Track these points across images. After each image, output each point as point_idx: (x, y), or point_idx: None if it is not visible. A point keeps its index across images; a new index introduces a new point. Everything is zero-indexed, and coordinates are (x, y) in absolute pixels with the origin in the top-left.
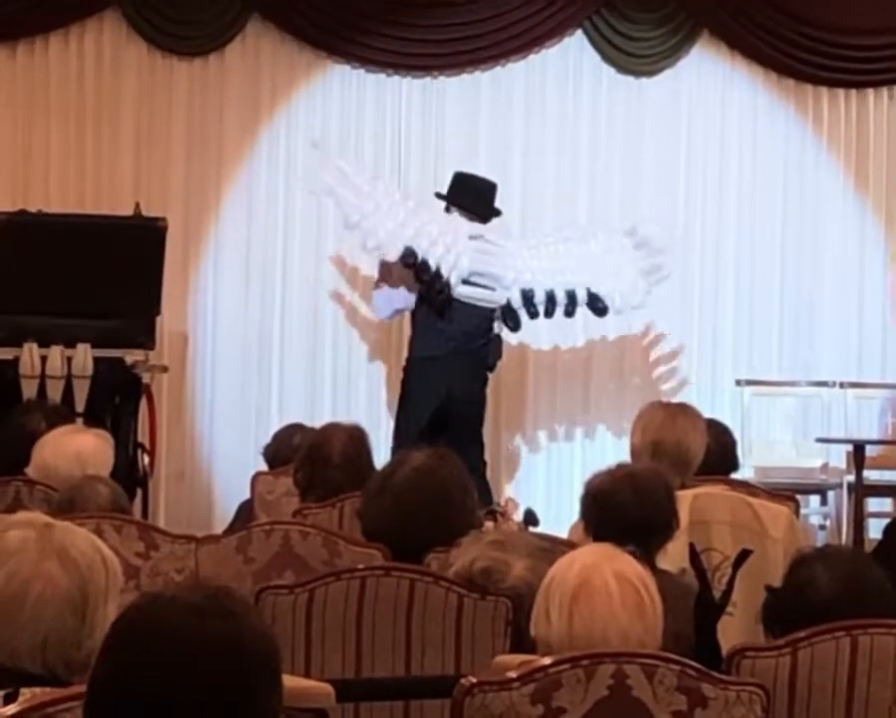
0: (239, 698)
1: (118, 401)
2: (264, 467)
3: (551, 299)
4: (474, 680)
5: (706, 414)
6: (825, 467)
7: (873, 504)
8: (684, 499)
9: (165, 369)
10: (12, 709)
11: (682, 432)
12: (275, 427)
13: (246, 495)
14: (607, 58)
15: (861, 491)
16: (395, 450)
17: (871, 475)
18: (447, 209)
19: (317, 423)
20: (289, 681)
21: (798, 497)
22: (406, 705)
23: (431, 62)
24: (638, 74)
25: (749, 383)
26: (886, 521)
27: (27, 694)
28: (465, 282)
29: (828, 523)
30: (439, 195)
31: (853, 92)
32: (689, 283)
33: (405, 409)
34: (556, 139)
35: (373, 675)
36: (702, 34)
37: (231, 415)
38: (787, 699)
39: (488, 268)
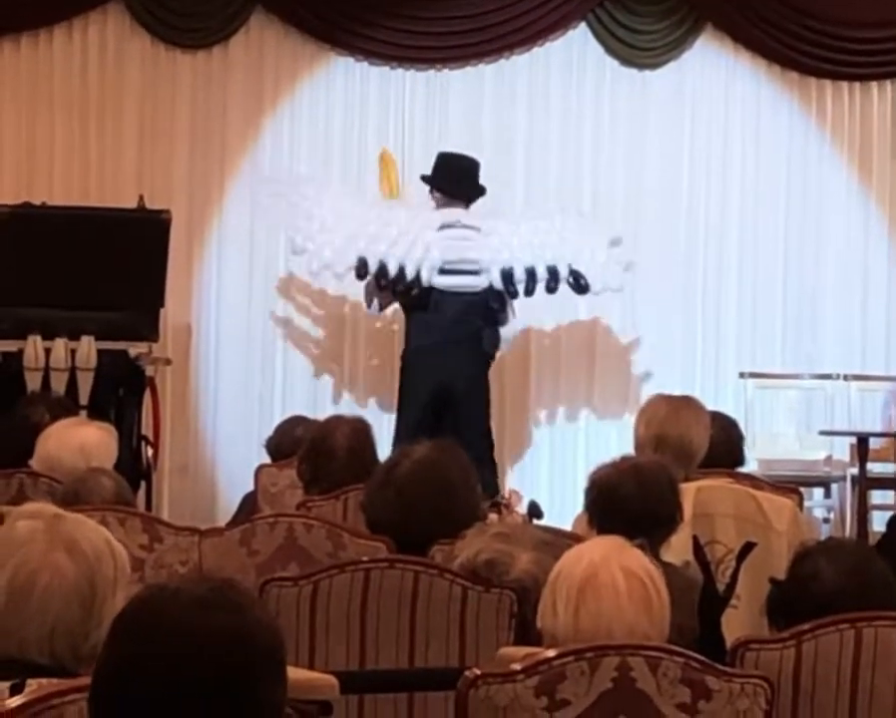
0: (244, 690)
1: (121, 393)
2: (268, 459)
3: (531, 276)
4: (478, 672)
5: (709, 407)
6: (829, 459)
7: (876, 496)
8: (688, 491)
9: (168, 361)
10: (18, 700)
11: (686, 425)
12: (279, 419)
13: (250, 487)
14: (610, 51)
15: (865, 483)
16: (395, 443)
17: (875, 467)
18: (431, 192)
19: (321, 415)
20: (294, 673)
21: (802, 489)
22: (410, 697)
23: (435, 54)
24: (641, 67)
25: (753, 376)
26: (889, 513)
27: (33, 685)
28: (442, 272)
29: (832, 515)
30: (423, 178)
31: (857, 85)
32: (693, 276)
33: (402, 401)
34: (559, 132)
35: (377, 667)
36: (706, 27)
37: (235, 407)
38: (791, 691)
39: (463, 254)
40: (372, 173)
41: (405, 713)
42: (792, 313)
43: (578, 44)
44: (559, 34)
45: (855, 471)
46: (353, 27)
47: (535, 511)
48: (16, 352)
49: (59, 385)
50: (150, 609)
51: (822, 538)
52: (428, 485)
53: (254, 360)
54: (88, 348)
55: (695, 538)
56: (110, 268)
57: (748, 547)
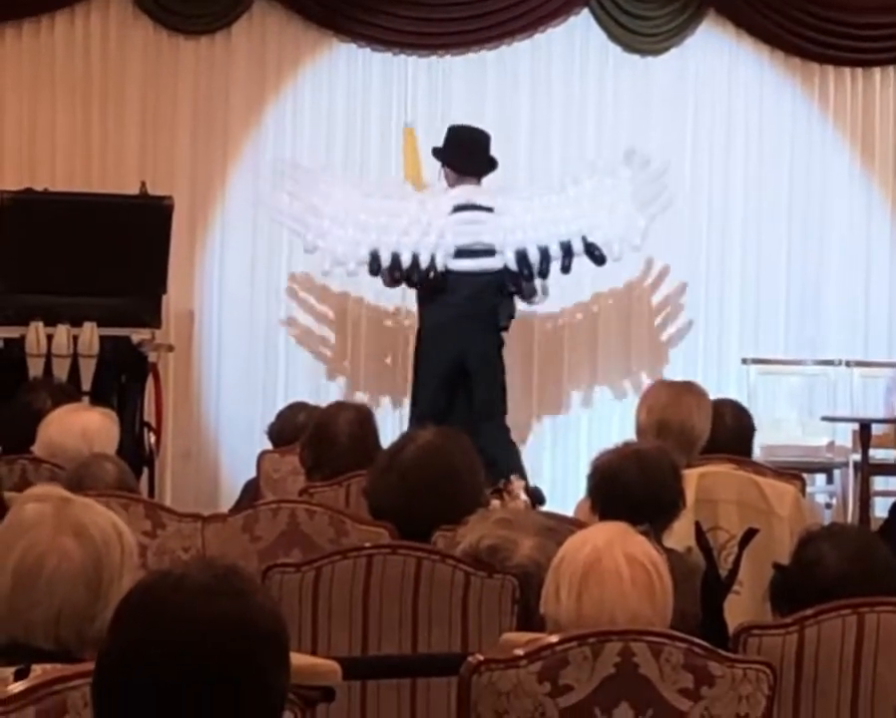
0: (248, 676)
1: (124, 380)
2: (270, 446)
3: (545, 256)
4: (481, 658)
5: (712, 392)
6: (831, 445)
7: (879, 482)
8: (691, 477)
9: (171, 348)
10: (21, 685)
11: (687, 412)
12: (281, 405)
13: (253, 473)
14: (613, 37)
15: (867, 469)
16: (412, 420)
17: (877, 453)
18: (442, 167)
19: (323, 402)
20: (297, 659)
21: (804, 475)
22: (413, 683)
23: (437, 41)
24: (644, 53)
25: (755, 361)
26: (892, 499)
27: (37, 670)
28: (458, 255)
29: (834, 501)
30: (434, 152)
31: (859, 70)
32: (696, 260)
33: (418, 380)
34: (562, 118)
35: (380, 653)
36: (709, 13)
37: (238, 393)
38: (794, 677)
39: (477, 237)
40: (374, 158)
41: (408, 699)
42: (795, 299)
43: (580, 30)
44: (561, 20)
45: (858, 457)
46: (355, 13)
47: (538, 497)
48: (18, 338)
49: (61, 371)
50: (154, 596)
51: (825, 524)
52: (431, 470)
53: (257, 346)
54: (90, 334)
55: (698, 524)
56: (112, 255)
57: (751, 534)
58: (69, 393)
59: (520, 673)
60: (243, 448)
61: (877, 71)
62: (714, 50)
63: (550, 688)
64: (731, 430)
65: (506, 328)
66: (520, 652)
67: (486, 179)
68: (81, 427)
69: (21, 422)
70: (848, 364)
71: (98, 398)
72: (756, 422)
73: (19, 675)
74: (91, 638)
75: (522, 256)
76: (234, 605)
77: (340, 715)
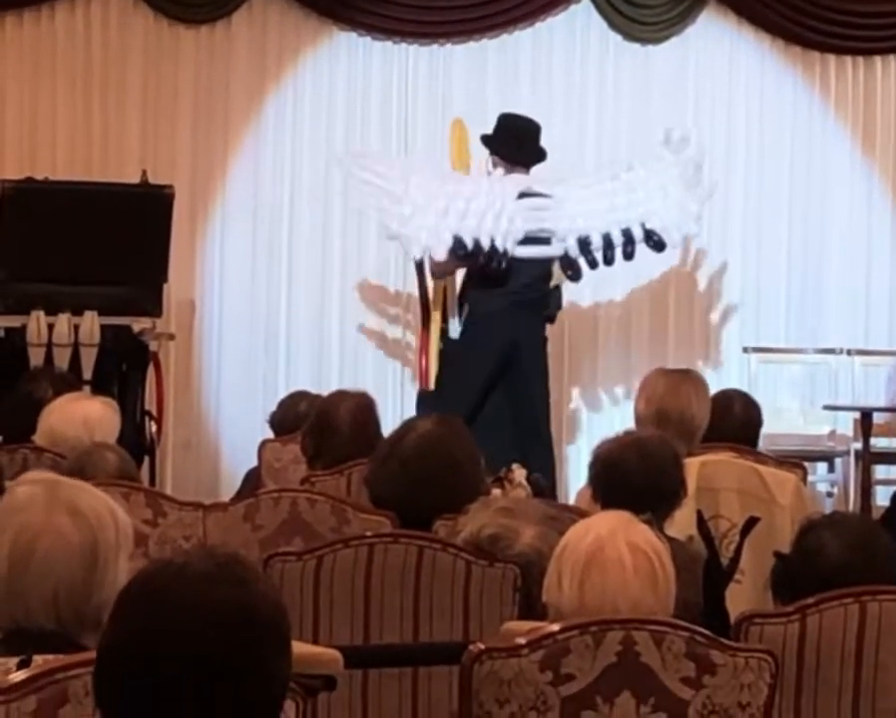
0: (249, 665)
1: (125, 369)
2: (271, 434)
3: (608, 243)
4: (483, 647)
5: (713, 382)
6: (832, 434)
7: (880, 471)
8: (692, 466)
9: (172, 337)
10: (22, 674)
11: (686, 401)
12: (282, 394)
13: (254, 462)
14: (613, 25)
15: (868, 458)
16: (443, 408)
17: (878, 442)
18: (490, 154)
19: (324, 391)
20: (298, 648)
21: (805, 464)
22: (415, 671)
23: (438, 29)
24: (645, 41)
25: (757, 350)
26: (893, 488)
27: (39, 661)
28: (521, 242)
29: (835, 490)
30: (483, 140)
31: (860, 59)
32: (697, 250)
33: (467, 366)
34: (563, 106)
35: (381, 642)
36: (709, 2)
37: (239, 382)
38: (796, 666)
39: (542, 225)
40: (375, 147)
41: (409, 688)
42: (796, 288)
43: (581, 19)
44: (562, 9)
45: (859, 445)
46: (356, 2)
47: (538, 487)
48: (19, 328)
49: (62, 360)
50: (155, 584)
51: (826, 512)
52: (433, 459)
53: (258, 335)
54: (91, 323)
55: (699, 513)
56: (113, 244)
57: (752, 522)
58: (70, 382)
59: (521, 662)
60: (245, 437)
61: (878, 60)
62: (715, 39)
63: (551, 677)
64: (740, 420)
65: (553, 319)
66: (521, 641)
67: (534, 170)
68: (82, 416)
69: (22, 411)
70: (849, 353)
71: (99, 387)
72: None
73: (21, 666)
74: (89, 618)
75: (585, 243)
76: (236, 594)
77: (342, 704)
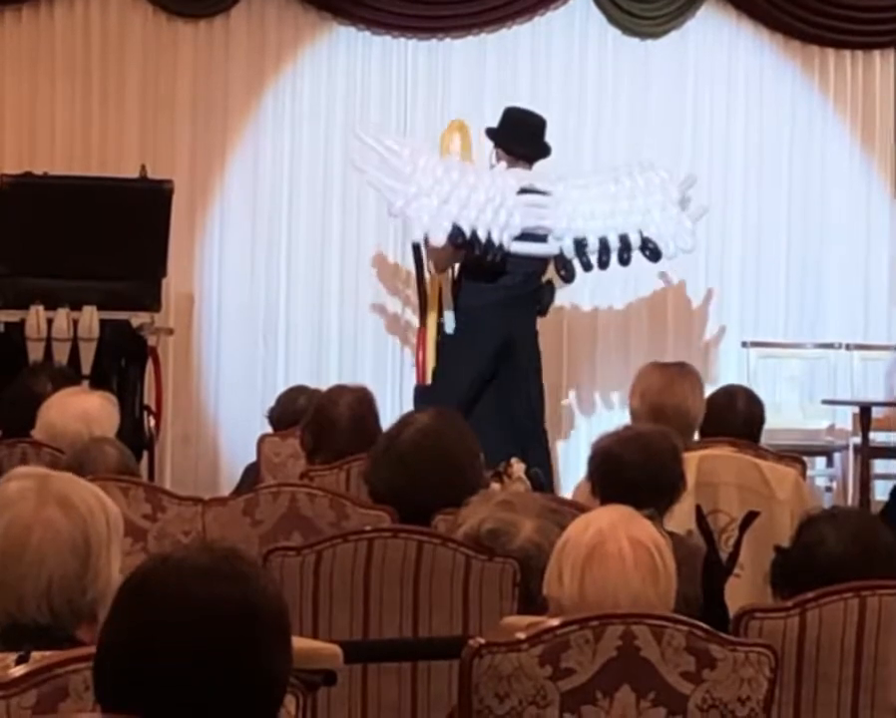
0: (249, 659)
1: (124, 363)
2: (270, 429)
3: (605, 247)
4: (482, 641)
5: (712, 377)
6: (831, 429)
7: (879, 465)
8: (691, 460)
9: (171, 331)
10: (22, 669)
11: (682, 396)
12: (281, 389)
13: (253, 457)
14: (612, 20)
15: (867, 452)
16: (438, 401)
17: (877, 436)
18: (494, 147)
19: (323, 385)
20: (297, 642)
21: (805, 458)
22: (414, 666)
23: (437, 24)
24: (644, 36)
25: (755, 345)
26: (892, 482)
27: (38, 657)
28: (517, 238)
29: (834, 484)
30: (488, 132)
31: (859, 53)
32: (696, 244)
33: (462, 360)
34: (561, 101)
35: (381, 637)
36: None
37: (238, 377)
38: (796, 660)
39: (540, 222)
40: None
41: (409, 682)
42: (795, 282)
43: (580, 13)
44: (561, 3)
45: (858, 440)
46: None
47: (537, 481)
48: (18, 322)
49: (61, 355)
50: (154, 579)
51: (825, 507)
52: (431, 453)
53: (257, 330)
54: (90, 318)
55: (698, 507)
56: (112, 238)
57: (751, 517)
58: (69, 377)
59: (521, 657)
60: (244, 431)
61: (877, 53)
62: (714, 33)
63: (551, 671)
64: (743, 416)
65: (545, 313)
66: (521, 636)
67: (537, 165)
68: (81, 410)
69: (21, 406)
70: (848, 347)
71: (98, 382)
72: None
73: (20, 661)
74: (84, 610)
75: (581, 244)
76: (235, 589)
77: (341, 699)
